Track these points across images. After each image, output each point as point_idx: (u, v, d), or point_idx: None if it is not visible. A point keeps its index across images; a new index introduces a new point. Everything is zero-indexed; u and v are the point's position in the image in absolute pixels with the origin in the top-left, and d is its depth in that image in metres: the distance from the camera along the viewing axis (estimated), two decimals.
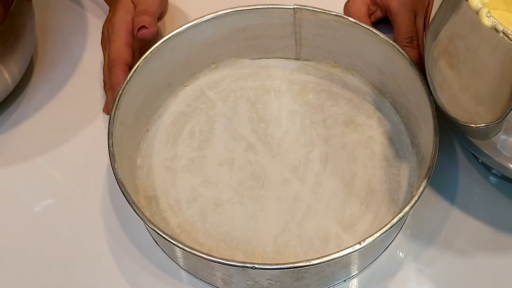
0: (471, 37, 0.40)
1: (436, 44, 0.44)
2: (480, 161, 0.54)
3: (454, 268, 0.50)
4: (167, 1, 0.62)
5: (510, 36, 0.37)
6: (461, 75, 0.42)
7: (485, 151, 0.46)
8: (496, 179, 0.53)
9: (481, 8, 0.38)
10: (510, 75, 0.38)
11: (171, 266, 0.50)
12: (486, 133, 0.44)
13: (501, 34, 0.37)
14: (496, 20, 0.38)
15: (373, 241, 0.43)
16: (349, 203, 0.51)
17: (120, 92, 0.51)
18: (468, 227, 0.51)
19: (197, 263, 0.47)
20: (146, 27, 0.55)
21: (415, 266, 0.50)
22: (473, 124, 0.44)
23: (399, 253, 0.50)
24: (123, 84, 0.51)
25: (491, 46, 0.38)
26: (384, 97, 0.57)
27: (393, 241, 0.51)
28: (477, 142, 0.46)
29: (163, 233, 0.44)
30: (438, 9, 0.44)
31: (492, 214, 0.52)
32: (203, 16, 0.55)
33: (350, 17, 0.55)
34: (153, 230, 0.44)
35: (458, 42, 0.41)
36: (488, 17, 0.38)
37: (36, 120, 0.59)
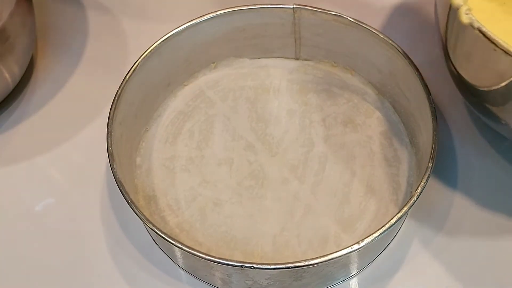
0: None
1: None
2: (480, 161, 0.54)
3: (454, 268, 0.50)
4: None
5: (486, 34, 0.37)
6: None
7: (505, 119, 0.45)
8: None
9: (461, 5, 0.39)
10: None
11: (170, 266, 0.50)
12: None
13: (476, 32, 0.37)
14: (474, 17, 0.38)
15: (372, 240, 0.43)
16: (348, 202, 0.51)
17: (119, 92, 0.51)
18: (468, 227, 0.51)
19: (196, 263, 0.47)
20: None
21: (414, 266, 0.50)
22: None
23: (399, 252, 0.50)
24: (122, 83, 0.51)
25: None
26: (384, 97, 0.57)
27: (393, 241, 0.51)
28: (496, 110, 0.45)
29: (162, 232, 0.44)
30: None
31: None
32: (202, 16, 0.55)
33: None
34: (152, 229, 0.44)
35: None
36: (466, 14, 0.38)
37: (36, 119, 0.59)
